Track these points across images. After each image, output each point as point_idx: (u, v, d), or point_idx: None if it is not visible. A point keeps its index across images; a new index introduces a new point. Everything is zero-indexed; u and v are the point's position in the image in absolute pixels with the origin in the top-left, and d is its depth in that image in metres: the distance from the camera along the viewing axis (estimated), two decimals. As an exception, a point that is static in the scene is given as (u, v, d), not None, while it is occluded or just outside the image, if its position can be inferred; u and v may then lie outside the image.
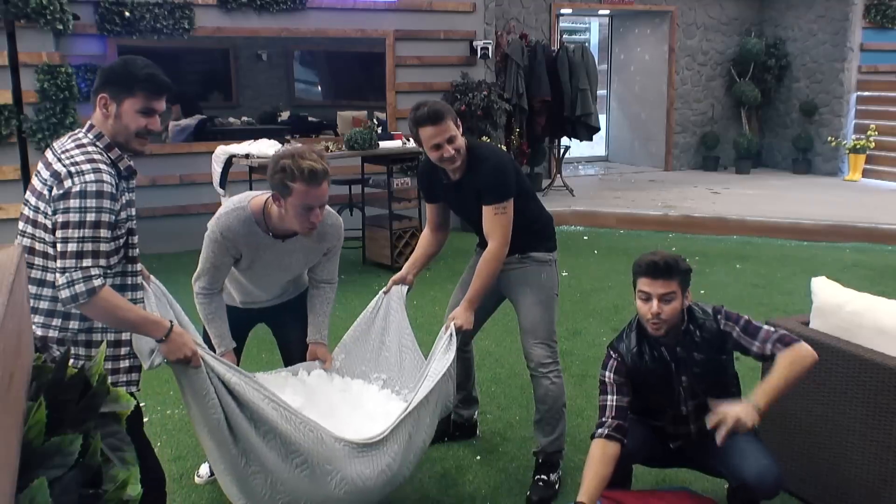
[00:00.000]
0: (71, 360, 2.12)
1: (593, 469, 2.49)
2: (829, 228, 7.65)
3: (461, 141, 2.96)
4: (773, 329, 2.59)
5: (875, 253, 7.14)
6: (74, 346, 2.21)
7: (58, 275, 2.09)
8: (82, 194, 2.09)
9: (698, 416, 2.59)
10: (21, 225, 2.25)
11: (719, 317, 2.62)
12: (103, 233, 2.12)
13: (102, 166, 2.15)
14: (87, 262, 2.08)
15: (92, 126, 2.23)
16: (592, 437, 2.59)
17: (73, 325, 2.22)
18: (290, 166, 2.56)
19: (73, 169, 2.11)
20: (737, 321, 2.61)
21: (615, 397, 2.61)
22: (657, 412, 2.70)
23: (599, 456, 2.50)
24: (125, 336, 2.30)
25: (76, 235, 2.08)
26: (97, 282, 2.09)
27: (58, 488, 1.25)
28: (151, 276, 2.59)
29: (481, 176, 2.98)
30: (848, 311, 2.86)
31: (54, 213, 2.12)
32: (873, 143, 10.14)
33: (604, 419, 2.58)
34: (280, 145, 6.09)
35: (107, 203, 2.12)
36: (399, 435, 2.59)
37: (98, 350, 2.19)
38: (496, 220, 2.96)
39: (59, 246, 2.09)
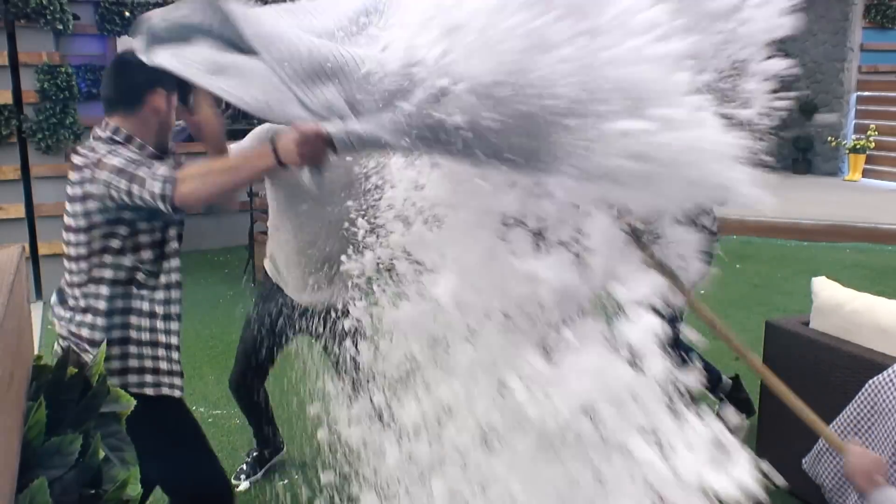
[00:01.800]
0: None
1: None
2: (829, 228, 7.65)
3: None
4: None
5: (875, 253, 7.14)
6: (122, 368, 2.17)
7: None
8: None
9: None
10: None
11: None
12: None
13: None
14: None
15: (118, 129, 2.12)
16: None
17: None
18: None
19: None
20: None
21: None
22: None
23: None
24: (162, 338, 2.21)
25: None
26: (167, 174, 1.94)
27: (58, 488, 1.25)
28: None
29: None
30: (848, 311, 2.87)
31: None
32: (873, 143, 10.14)
33: None
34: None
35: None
36: None
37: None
38: None
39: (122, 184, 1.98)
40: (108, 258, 2.11)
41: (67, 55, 6.45)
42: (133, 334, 2.14)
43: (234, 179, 1.99)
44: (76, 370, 1.56)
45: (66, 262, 2.16)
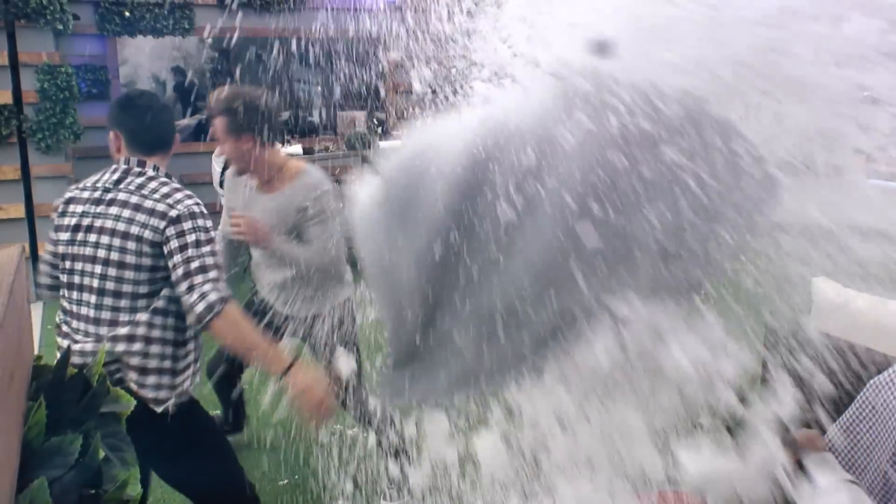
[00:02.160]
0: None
1: None
2: (829, 228, 7.65)
3: None
4: None
5: (875, 253, 7.14)
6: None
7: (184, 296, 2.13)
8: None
9: None
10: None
11: None
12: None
13: None
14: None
15: (158, 167, 2.34)
16: None
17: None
18: None
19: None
20: None
21: None
22: None
23: None
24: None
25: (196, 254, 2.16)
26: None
27: (58, 488, 1.25)
28: None
29: None
30: (848, 311, 2.86)
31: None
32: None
33: None
34: (280, 145, 6.10)
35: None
36: None
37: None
38: None
39: (180, 269, 2.13)
40: (159, 287, 2.22)
41: (67, 55, 6.45)
42: (176, 362, 2.27)
43: (250, 356, 2.13)
44: (76, 370, 1.56)
45: (104, 299, 2.19)
